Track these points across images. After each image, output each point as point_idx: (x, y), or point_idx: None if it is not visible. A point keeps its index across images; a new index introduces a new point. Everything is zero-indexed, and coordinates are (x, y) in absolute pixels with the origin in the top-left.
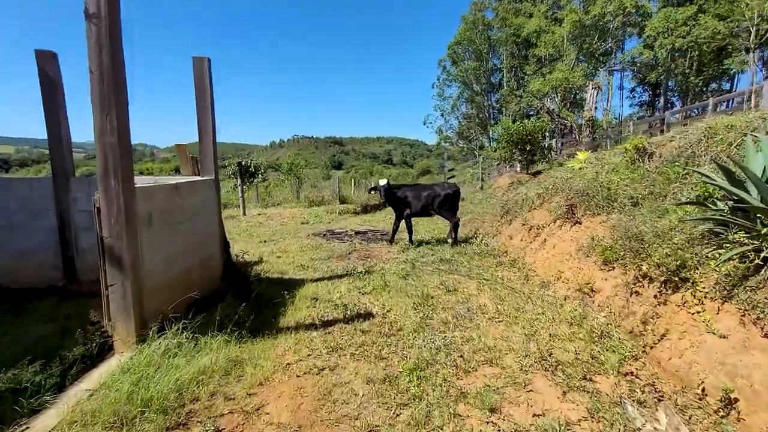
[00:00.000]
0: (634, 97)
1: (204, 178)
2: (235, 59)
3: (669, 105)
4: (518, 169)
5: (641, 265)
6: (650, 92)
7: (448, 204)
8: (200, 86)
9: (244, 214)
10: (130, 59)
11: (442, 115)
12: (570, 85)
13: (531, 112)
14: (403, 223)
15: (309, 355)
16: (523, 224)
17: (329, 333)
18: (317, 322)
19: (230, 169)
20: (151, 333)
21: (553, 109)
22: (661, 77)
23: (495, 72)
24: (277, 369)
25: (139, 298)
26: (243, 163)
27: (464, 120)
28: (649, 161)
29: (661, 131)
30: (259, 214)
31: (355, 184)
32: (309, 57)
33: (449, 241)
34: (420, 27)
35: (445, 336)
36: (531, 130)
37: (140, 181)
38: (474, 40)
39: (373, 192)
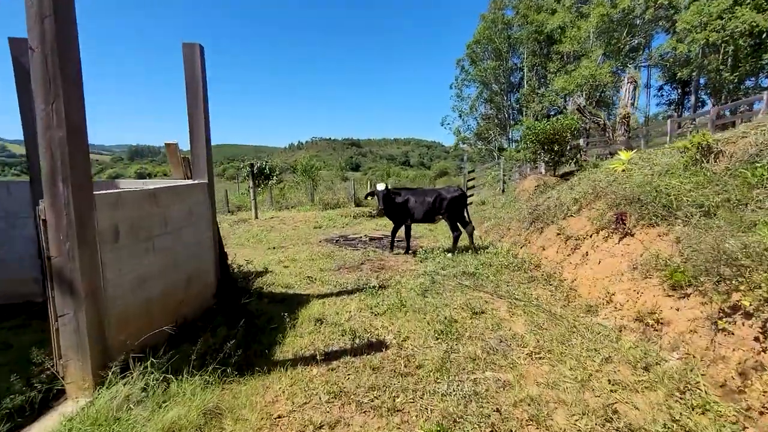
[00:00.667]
0: (662, 95)
1: (195, 181)
2: (256, 60)
3: (700, 104)
4: (543, 170)
5: (731, 293)
6: (679, 90)
7: (455, 208)
8: (191, 76)
9: (257, 217)
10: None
11: (460, 116)
12: (596, 83)
13: (552, 112)
14: (401, 228)
15: (306, 403)
16: (558, 234)
17: (333, 370)
18: (319, 355)
19: (244, 171)
20: (110, 374)
21: (584, 106)
22: (693, 74)
23: (515, 71)
24: (263, 425)
25: (99, 330)
26: (256, 164)
27: (483, 121)
28: (716, 162)
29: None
30: (272, 218)
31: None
32: (328, 58)
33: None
34: (438, 26)
35: (476, 379)
36: (559, 128)
37: (131, 186)
38: (493, 39)
39: (370, 198)
